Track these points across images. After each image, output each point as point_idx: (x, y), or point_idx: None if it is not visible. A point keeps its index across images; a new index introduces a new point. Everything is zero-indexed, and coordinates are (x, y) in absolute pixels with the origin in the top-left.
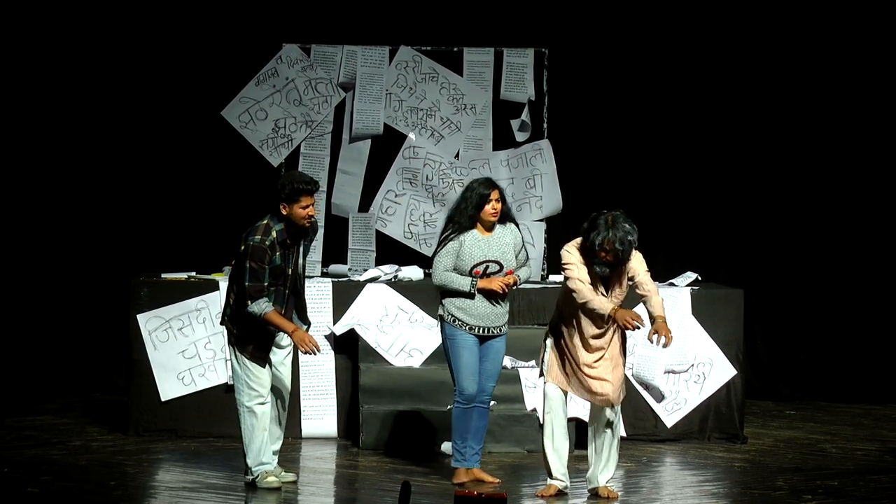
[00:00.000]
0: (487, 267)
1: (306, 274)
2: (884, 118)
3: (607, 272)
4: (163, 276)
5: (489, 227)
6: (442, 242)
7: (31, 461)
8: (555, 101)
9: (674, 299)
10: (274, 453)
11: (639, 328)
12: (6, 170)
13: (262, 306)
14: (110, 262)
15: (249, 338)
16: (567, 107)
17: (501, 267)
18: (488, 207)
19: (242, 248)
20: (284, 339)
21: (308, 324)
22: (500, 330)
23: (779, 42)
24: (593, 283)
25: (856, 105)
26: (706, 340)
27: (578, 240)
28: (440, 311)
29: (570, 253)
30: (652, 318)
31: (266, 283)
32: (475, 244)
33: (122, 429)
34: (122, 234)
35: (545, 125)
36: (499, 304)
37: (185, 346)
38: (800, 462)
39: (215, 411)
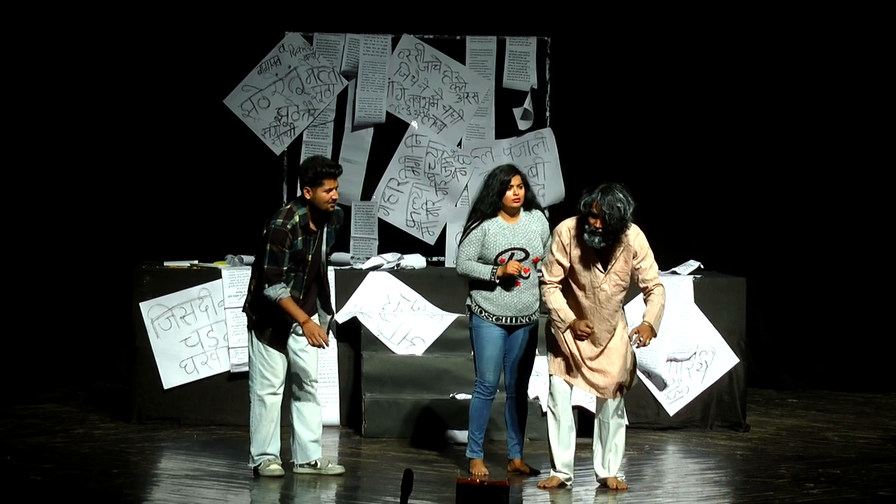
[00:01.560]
0: (513, 255)
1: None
2: (886, 107)
3: (600, 244)
4: (165, 264)
5: (514, 214)
6: (466, 232)
7: (33, 449)
8: (557, 90)
9: (676, 287)
10: (314, 441)
11: (589, 335)
12: (9, 159)
13: (277, 291)
14: (113, 250)
15: (267, 323)
16: (569, 95)
17: (527, 254)
18: (510, 194)
19: (264, 231)
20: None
21: (331, 314)
22: (529, 319)
23: (781, 31)
24: (589, 260)
25: (859, 93)
26: (708, 329)
27: (575, 218)
28: (468, 301)
29: (560, 236)
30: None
31: (285, 268)
32: (500, 232)
33: (124, 417)
34: (125, 222)
35: (548, 113)
36: (524, 292)
37: (188, 335)
38: (802, 450)
39: (218, 399)
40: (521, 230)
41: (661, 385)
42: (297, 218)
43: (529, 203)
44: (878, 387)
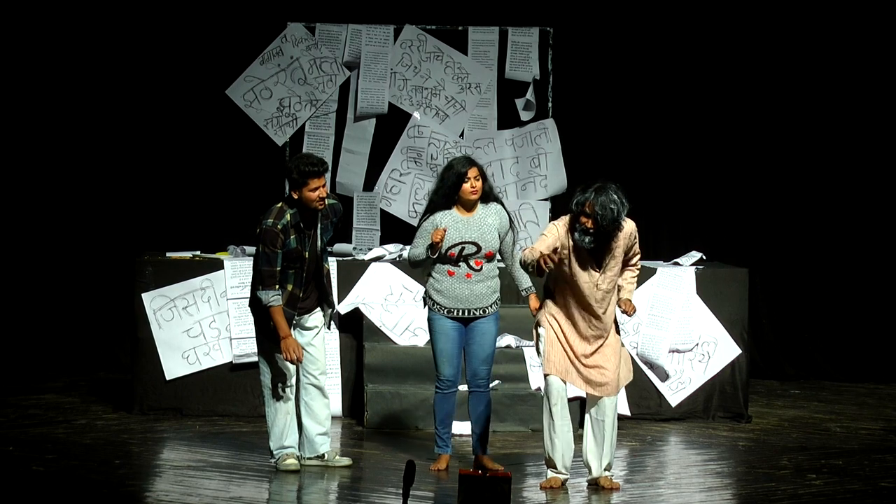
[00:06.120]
0: (463, 249)
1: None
2: (888, 99)
3: (590, 244)
4: (167, 254)
5: (470, 207)
6: (419, 224)
7: (35, 439)
8: (560, 80)
9: (678, 278)
10: (322, 435)
11: (552, 265)
12: (12, 150)
13: (269, 296)
14: (115, 241)
15: (270, 319)
16: (572, 86)
17: (479, 248)
18: (466, 186)
19: (257, 231)
20: (309, 321)
21: (332, 307)
22: (485, 311)
23: (782, 23)
24: (585, 260)
25: (861, 86)
26: (711, 319)
27: (568, 216)
28: (424, 294)
29: (551, 229)
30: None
31: (279, 268)
32: (452, 225)
33: (126, 407)
34: (128, 212)
35: (550, 104)
36: (476, 284)
37: (190, 325)
38: (804, 441)
39: (220, 390)
40: (476, 223)
41: (664, 376)
42: (287, 217)
43: (487, 196)
44: (881, 377)
